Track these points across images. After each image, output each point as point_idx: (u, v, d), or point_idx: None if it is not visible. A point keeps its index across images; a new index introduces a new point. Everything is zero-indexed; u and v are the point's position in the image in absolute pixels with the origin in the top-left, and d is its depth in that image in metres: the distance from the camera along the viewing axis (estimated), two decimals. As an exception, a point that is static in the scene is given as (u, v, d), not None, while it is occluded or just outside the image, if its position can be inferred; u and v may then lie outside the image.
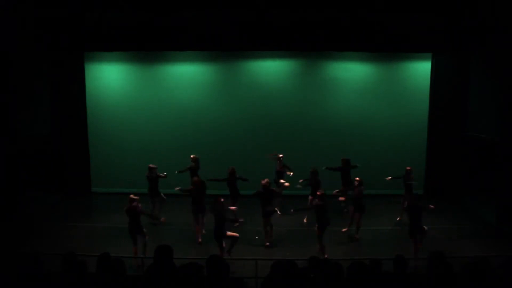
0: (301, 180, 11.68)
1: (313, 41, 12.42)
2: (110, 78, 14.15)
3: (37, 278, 4.65)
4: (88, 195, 14.13)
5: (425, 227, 9.44)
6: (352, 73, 14.01)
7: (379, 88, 14.02)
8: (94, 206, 13.43)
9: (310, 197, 11.44)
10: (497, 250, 9.44)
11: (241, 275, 7.66)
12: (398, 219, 11.71)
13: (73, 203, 13.32)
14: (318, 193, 9.69)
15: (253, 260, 7.89)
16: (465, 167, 13.22)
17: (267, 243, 10.08)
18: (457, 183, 13.41)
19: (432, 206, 9.66)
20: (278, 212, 10.38)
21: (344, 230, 10.75)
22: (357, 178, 10.72)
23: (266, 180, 10.21)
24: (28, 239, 10.37)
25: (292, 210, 10.05)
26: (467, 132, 13.22)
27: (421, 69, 13.98)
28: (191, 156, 12.30)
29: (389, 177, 12.03)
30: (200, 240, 10.19)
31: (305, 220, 11.50)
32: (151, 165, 11.56)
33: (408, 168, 11.82)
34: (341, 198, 12.01)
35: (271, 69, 14.05)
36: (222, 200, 9.18)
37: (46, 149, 13.39)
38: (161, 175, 11.60)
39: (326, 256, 8.95)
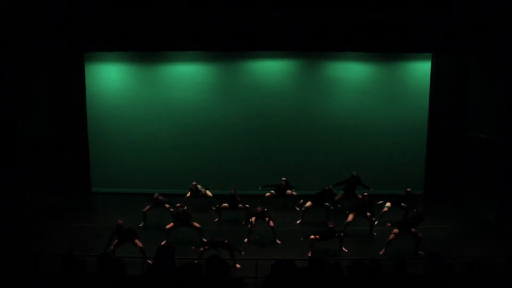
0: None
1: (313, 41, 12.41)
2: (110, 78, 14.15)
3: (37, 278, 4.65)
4: (88, 195, 14.13)
5: (419, 235, 9.56)
6: (352, 73, 14.01)
7: (379, 88, 14.02)
8: (94, 206, 13.43)
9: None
10: (497, 250, 9.46)
11: (241, 275, 7.67)
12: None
13: (73, 203, 13.33)
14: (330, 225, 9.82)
15: (253, 260, 7.90)
16: (465, 167, 13.22)
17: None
18: (457, 183, 13.41)
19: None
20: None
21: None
22: (366, 194, 11.07)
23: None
24: (28, 239, 10.38)
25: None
26: (467, 132, 13.22)
27: (421, 69, 13.98)
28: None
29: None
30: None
31: (298, 222, 11.59)
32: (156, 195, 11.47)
33: (409, 189, 11.65)
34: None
35: (271, 69, 14.04)
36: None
37: (46, 149, 13.39)
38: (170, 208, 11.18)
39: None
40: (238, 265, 8.96)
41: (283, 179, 12.40)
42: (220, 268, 4.31)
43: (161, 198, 11.36)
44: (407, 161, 14.04)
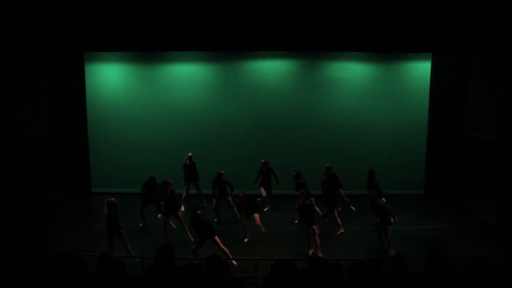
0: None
1: (313, 41, 12.41)
2: (110, 78, 14.16)
3: (37, 278, 4.66)
4: (88, 195, 14.14)
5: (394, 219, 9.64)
6: (352, 73, 14.01)
7: (379, 88, 14.03)
8: (94, 206, 13.42)
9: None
10: (497, 250, 9.45)
11: (241, 275, 7.66)
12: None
13: (73, 203, 13.33)
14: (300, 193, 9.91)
15: (253, 260, 7.89)
16: (465, 167, 13.22)
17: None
18: (457, 183, 13.41)
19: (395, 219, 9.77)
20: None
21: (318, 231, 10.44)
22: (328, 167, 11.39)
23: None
24: (28, 239, 10.37)
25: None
26: (467, 132, 13.22)
27: (421, 69, 13.99)
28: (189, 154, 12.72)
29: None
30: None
31: (296, 222, 11.53)
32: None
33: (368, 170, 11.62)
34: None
35: (271, 69, 14.05)
36: (199, 212, 9.31)
37: (46, 149, 13.39)
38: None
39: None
40: (235, 262, 8.93)
41: (262, 161, 12.54)
42: (220, 268, 4.32)
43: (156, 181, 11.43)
44: (407, 161, 14.04)
